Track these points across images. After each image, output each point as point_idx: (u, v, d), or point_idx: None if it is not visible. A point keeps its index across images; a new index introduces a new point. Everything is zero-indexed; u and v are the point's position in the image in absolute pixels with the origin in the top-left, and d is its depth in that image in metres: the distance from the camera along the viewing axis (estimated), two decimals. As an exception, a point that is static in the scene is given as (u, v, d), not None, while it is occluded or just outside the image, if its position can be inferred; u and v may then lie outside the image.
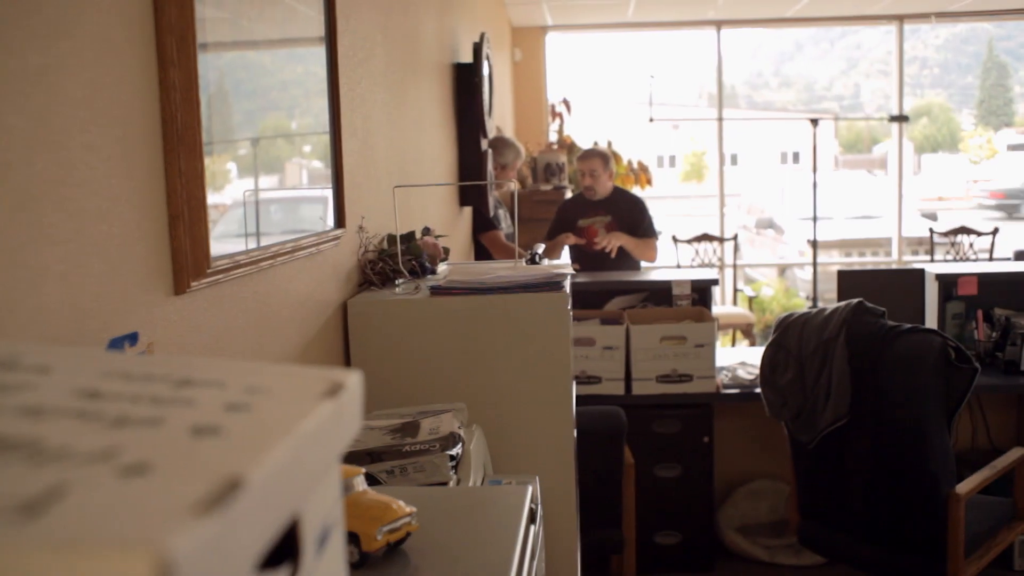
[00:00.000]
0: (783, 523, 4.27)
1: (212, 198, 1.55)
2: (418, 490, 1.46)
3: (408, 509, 1.05)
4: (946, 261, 7.55)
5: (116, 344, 1.08)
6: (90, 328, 1.15)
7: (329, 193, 2.25)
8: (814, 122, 5.85)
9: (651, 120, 7.22)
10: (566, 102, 7.70)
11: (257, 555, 0.43)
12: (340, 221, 2.25)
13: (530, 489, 1.21)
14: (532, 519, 1.19)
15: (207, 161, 1.55)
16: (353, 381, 0.60)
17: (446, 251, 2.94)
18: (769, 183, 15.28)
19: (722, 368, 4.27)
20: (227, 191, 1.68)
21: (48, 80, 1.09)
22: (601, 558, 4.07)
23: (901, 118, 7.41)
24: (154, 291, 1.34)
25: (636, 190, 7.28)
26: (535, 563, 1.19)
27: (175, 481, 0.39)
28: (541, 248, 2.91)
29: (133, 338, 1.12)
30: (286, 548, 0.52)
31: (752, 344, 7.35)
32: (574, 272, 4.82)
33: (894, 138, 9.05)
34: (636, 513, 3.64)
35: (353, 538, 1.01)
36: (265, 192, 1.89)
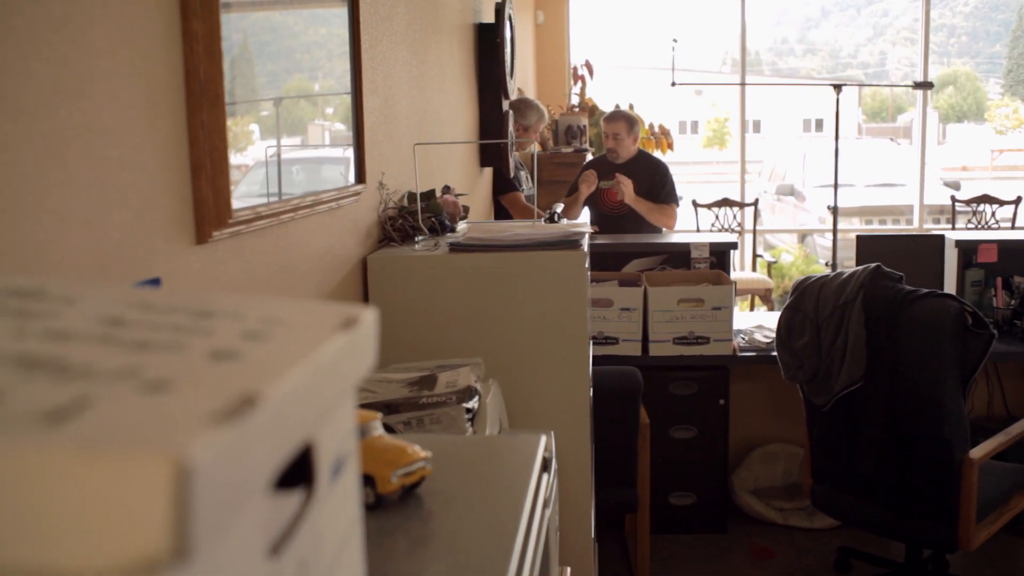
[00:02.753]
0: (797, 486, 4.29)
1: (235, 158, 1.57)
2: (432, 437, 1.48)
3: (423, 453, 1.07)
4: (967, 229, 7.51)
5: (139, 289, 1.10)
6: (113, 274, 1.18)
7: (351, 154, 2.26)
8: (837, 88, 5.79)
9: (673, 84, 7.16)
10: (588, 65, 7.66)
11: (272, 471, 0.45)
12: (360, 177, 2.26)
13: (544, 438, 1.23)
14: (546, 468, 1.21)
15: (230, 122, 1.57)
16: (368, 316, 0.61)
17: (466, 209, 2.95)
18: (791, 150, 15.16)
19: (739, 331, 4.28)
20: (249, 151, 1.71)
21: (71, 28, 1.11)
22: (616, 517, 4.11)
23: (926, 84, 7.34)
24: (176, 240, 1.36)
25: (657, 154, 7.25)
26: (548, 512, 1.21)
27: (194, 396, 0.41)
28: (560, 208, 2.92)
29: (156, 283, 1.14)
30: (301, 474, 0.54)
31: (771, 310, 7.35)
32: (593, 232, 4.85)
33: (918, 105, 8.96)
34: (651, 473, 3.67)
35: (368, 480, 1.03)
36: (287, 152, 1.91)
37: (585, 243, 2.40)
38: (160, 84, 1.32)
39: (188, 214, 1.40)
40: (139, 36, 1.26)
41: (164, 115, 1.33)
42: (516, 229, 2.52)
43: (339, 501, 0.61)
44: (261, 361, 0.48)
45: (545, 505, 1.19)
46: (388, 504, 1.05)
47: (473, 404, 1.82)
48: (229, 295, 0.76)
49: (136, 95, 1.25)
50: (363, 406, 1.80)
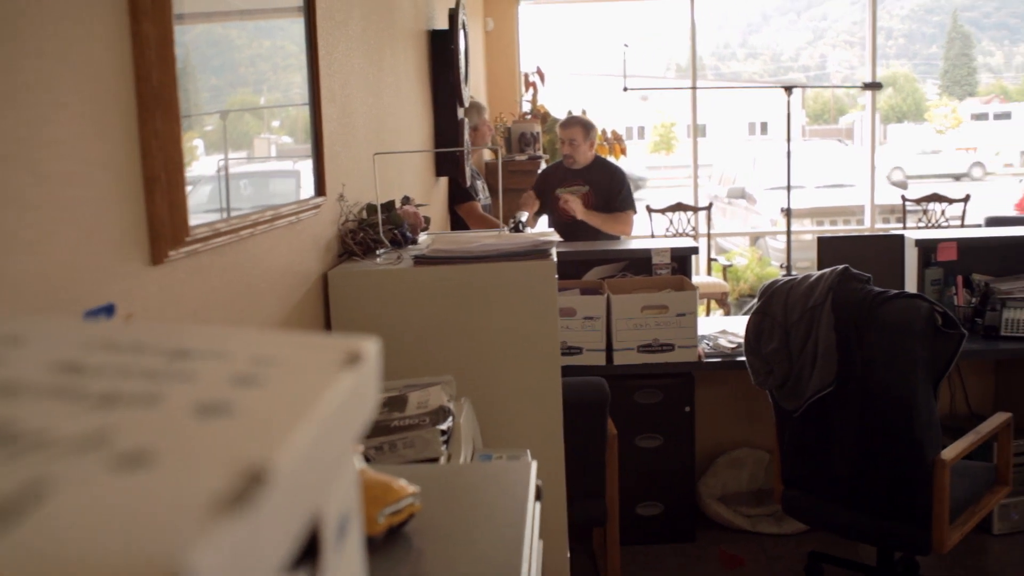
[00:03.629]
0: (764, 491, 4.25)
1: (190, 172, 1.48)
2: (415, 468, 1.39)
3: (411, 489, 0.98)
4: (919, 228, 7.56)
5: (91, 317, 1.00)
6: (62, 300, 1.07)
7: (302, 167, 2.16)
8: (788, 90, 5.78)
9: (625, 89, 7.13)
10: (539, 71, 7.60)
11: (282, 560, 0.36)
12: (320, 189, 2.16)
13: (535, 465, 1.15)
14: (538, 496, 1.12)
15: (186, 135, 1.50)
16: (371, 349, 0.52)
17: (427, 220, 2.86)
18: (739, 153, 15.25)
19: (703, 337, 4.23)
20: (195, 167, 1.61)
21: (9, 31, 1.00)
22: (584, 531, 4.03)
23: (875, 85, 7.39)
24: (130, 260, 1.26)
25: (610, 160, 7.20)
26: (541, 545, 1.12)
27: (185, 473, 0.32)
28: (524, 216, 2.84)
29: (110, 310, 1.04)
30: (304, 548, 0.45)
31: (727, 313, 7.33)
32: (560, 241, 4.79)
33: (867, 105, 9.03)
34: (618, 485, 3.60)
35: (353, 521, 0.94)
36: (236, 166, 1.81)
37: (554, 252, 2.32)
38: (110, 91, 1.22)
39: (142, 232, 1.29)
40: (85, 39, 1.16)
41: (114, 124, 1.22)
42: (482, 239, 2.43)
43: (344, 570, 0.52)
44: (260, 416, 0.39)
45: (539, 538, 1.11)
46: (374, 546, 0.96)
47: (447, 425, 1.73)
48: (205, 328, 0.67)
49: (84, 103, 1.14)
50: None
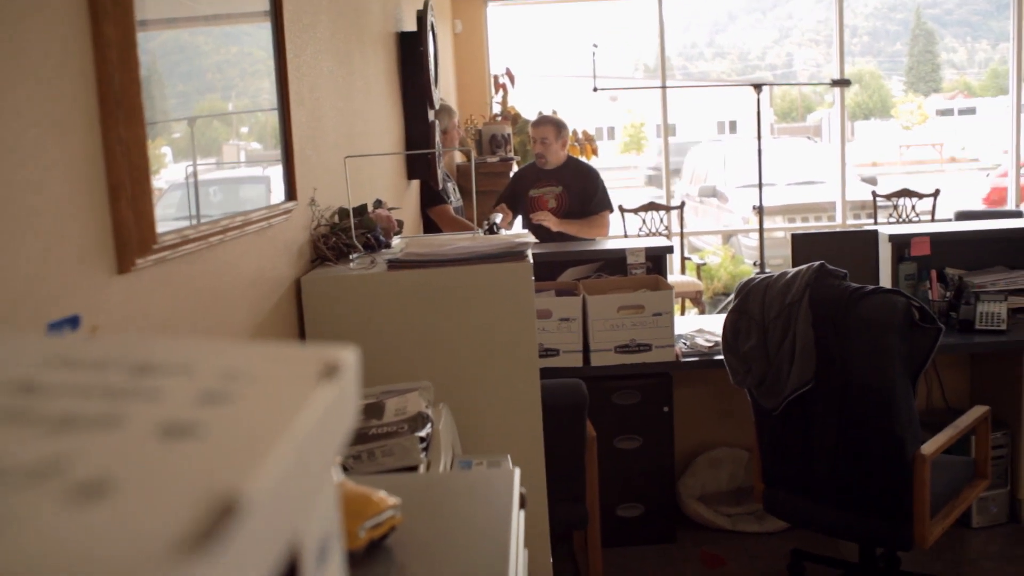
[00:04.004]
0: (744, 490, 4.24)
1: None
2: (395, 478, 1.35)
3: (391, 501, 0.94)
4: (890, 223, 7.60)
5: (55, 330, 0.96)
6: (23, 313, 1.03)
7: (271, 173, 2.11)
8: (757, 88, 5.78)
9: (595, 90, 7.11)
10: (509, 73, 7.57)
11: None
12: (291, 194, 2.12)
13: (518, 472, 1.12)
14: (522, 504, 1.09)
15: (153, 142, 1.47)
16: (350, 359, 0.49)
17: (400, 224, 2.83)
18: (709, 152, 15.30)
19: (680, 337, 4.21)
20: (163, 174, 1.59)
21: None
22: (565, 535, 4.00)
23: (843, 82, 7.41)
24: (95, 270, 1.21)
25: (583, 160, 7.19)
26: (526, 555, 1.09)
27: (147, 504, 0.29)
28: (499, 218, 2.81)
29: (74, 322, 1.00)
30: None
31: (702, 312, 7.33)
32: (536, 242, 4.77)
33: (836, 102, 9.07)
34: (599, 487, 3.57)
35: (332, 537, 0.91)
36: (204, 173, 1.77)
37: (530, 254, 2.29)
38: (70, 95, 1.17)
39: (108, 240, 1.25)
40: (43, 41, 1.12)
41: (75, 130, 1.18)
42: (457, 242, 2.40)
43: (326, 595, 0.48)
44: (231, 438, 0.35)
45: (524, 546, 1.08)
46: (355, 561, 0.93)
47: (426, 432, 1.69)
48: (171, 340, 0.63)
49: (42, 108, 1.10)
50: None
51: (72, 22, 1.19)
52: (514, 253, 2.24)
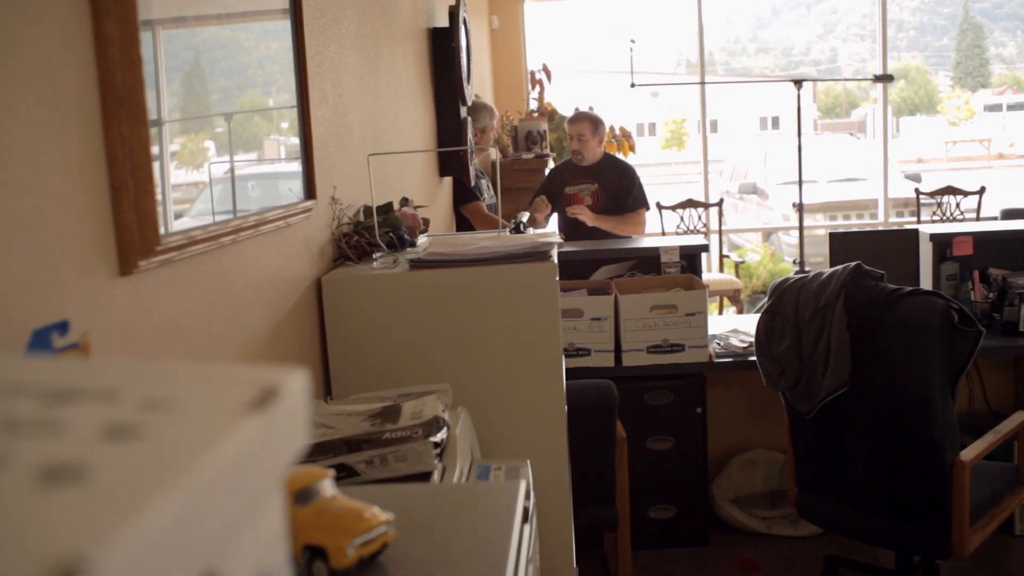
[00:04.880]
0: (779, 493, 4.16)
1: (188, 176, 1.57)
2: (395, 490, 1.32)
3: (383, 517, 0.91)
4: (934, 221, 7.45)
5: (41, 335, 0.93)
6: (15, 316, 1.01)
7: (291, 170, 2.10)
8: (797, 84, 5.68)
9: (632, 85, 7.04)
10: (546, 69, 7.52)
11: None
12: (310, 192, 2.09)
13: (523, 484, 1.08)
14: (526, 518, 1.05)
15: (184, 140, 1.57)
16: (294, 383, 0.45)
17: (426, 222, 2.79)
18: (751, 148, 15.13)
19: (714, 337, 4.15)
20: (205, 169, 1.68)
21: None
22: (595, 535, 3.96)
23: (886, 77, 7.27)
24: (95, 273, 1.19)
25: (620, 157, 7.12)
26: (532, 569, 1.05)
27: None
28: (525, 216, 2.77)
29: (63, 327, 0.97)
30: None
31: (740, 311, 7.24)
32: (561, 241, 4.71)
33: (879, 98, 8.91)
34: (629, 488, 3.52)
35: (320, 553, 0.87)
36: (241, 168, 1.77)
37: (555, 254, 2.25)
38: (70, 95, 1.15)
39: (109, 243, 1.22)
40: (41, 39, 1.09)
41: (75, 130, 1.16)
42: (481, 241, 2.36)
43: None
44: (114, 484, 0.32)
45: (529, 561, 1.04)
46: (346, 578, 0.89)
47: (441, 437, 1.66)
48: (104, 362, 0.60)
49: (39, 107, 1.08)
50: (321, 444, 1.64)
51: (73, 20, 1.16)
52: (538, 253, 2.20)
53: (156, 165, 1.36)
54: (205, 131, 1.65)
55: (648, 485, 3.94)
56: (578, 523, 3.30)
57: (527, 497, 1.08)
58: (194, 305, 1.49)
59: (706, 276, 7.26)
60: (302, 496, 0.90)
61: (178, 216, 1.43)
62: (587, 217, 4.83)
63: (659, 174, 22.35)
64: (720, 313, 7.22)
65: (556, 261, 2.21)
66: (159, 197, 1.43)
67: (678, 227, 7.63)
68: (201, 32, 1.65)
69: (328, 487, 0.93)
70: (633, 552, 3.67)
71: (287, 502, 0.92)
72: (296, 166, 2.05)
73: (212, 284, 1.56)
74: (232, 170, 1.75)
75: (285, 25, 1.99)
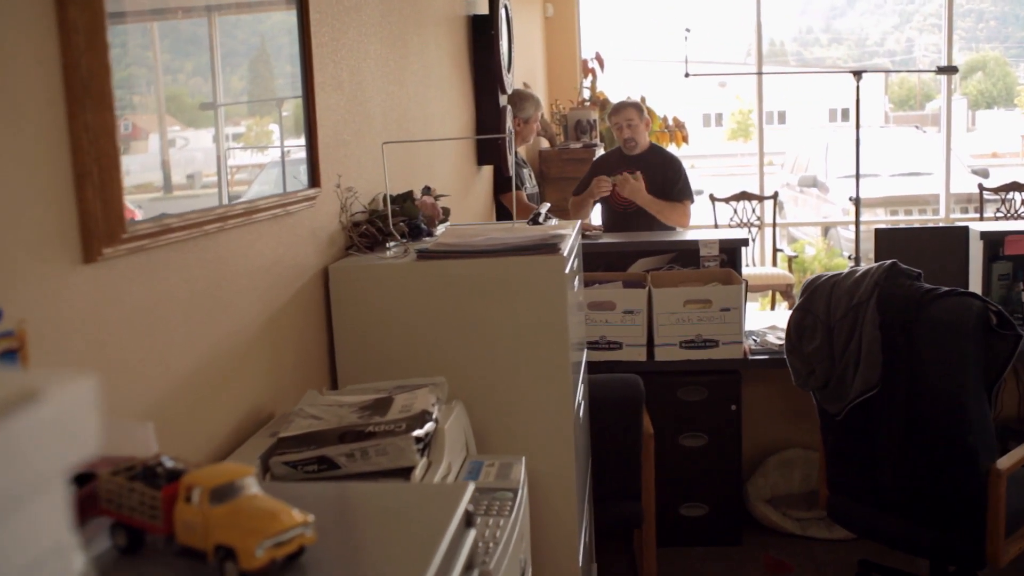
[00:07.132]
0: (815, 494, 4.07)
1: (252, 158, 1.84)
2: (334, 487, 1.30)
3: (300, 518, 0.89)
4: (995, 219, 7.22)
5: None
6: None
7: (293, 158, 2.09)
8: (857, 76, 5.53)
9: (687, 75, 6.93)
10: (599, 57, 7.44)
11: None
12: (314, 180, 2.08)
13: (470, 488, 1.05)
14: (469, 523, 1.02)
15: (250, 122, 1.75)
16: (68, 391, 0.43)
17: (446, 212, 2.77)
18: (814, 140, 14.83)
19: (751, 333, 4.07)
20: (269, 152, 1.94)
21: None
22: (624, 531, 3.91)
23: (950, 69, 7.06)
24: (55, 260, 1.19)
25: (672, 148, 7.02)
26: (474, 572, 1.02)
27: None
28: (546, 208, 2.73)
29: (-4, 315, 0.96)
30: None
31: (792, 306, 7.10)
32: (598, 231, 4.63)
33: (943, 91, 8.67)
34: (660, 484, 3.47)
35: (230, 554, 0.85)
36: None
37: (566, 247, 2.21)
38: (30, 81, 1.14)
39: (72, 230, 1.22)
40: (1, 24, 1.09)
41: (34, 117, 1.15)
42: (492, 232, 2.33)
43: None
44: None
45: (469, 567, 1.01)
46: (259, 581, 0.87)
47: (425, 431, 1.63)
48: None
49: (-8, 94, 1.07)
50: (304, 436, 1.62)
51: (35, 7, 1.16)
52: (547, 246, 2.16)
53: (214, 148, 1.55)
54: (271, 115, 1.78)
55: (680, 482, 3.88)
56: (602, 518, 3.26)
57: (475, 502, 1.05)
58: (175, 294, 1.48)
59: (758, 270, 7.15)
60: (218, 494, 0.88)
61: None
62: (640, 190, 4.63)
63: (722, 165, 22.06)
64: (772, 308, 7.09)
65: (565, 254, 2.17)
66: (160, 184, 1.43)
67: (731, 220, 7.50)
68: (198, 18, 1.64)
69: (251, 485, 0.91)
70: (663, 549, 3.62)
71: (202, 499, 0.90)
72: (277, 156, 2.03)
73: (196, 272, 1.55)
74: (222, 154, 1.72)
75: (291, 14, 1.98)
